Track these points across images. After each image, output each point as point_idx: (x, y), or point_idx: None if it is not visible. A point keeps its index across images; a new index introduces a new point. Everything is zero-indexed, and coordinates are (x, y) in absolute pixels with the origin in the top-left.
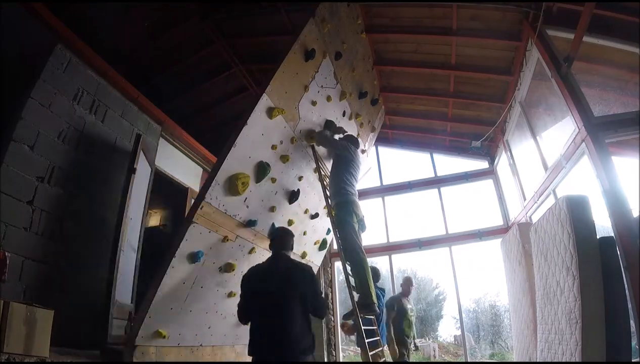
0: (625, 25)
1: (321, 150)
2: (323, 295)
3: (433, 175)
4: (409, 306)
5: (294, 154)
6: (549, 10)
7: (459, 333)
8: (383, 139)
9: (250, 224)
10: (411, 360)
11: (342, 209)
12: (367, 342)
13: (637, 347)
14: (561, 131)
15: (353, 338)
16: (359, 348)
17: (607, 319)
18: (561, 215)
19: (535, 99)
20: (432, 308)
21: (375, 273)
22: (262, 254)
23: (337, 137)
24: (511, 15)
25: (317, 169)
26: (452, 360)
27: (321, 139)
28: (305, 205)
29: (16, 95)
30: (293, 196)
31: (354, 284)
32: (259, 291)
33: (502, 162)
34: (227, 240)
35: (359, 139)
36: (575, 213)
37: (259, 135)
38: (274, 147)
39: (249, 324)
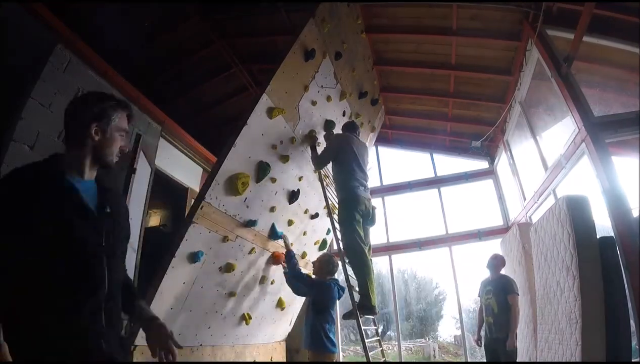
0: (625, 25)
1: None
2: None
3: (433, 175)
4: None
5: (294, 154)
6: (548, 10)
7: (459, 332)
8: (383, 139)
9: (250, 224)
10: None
11: (344, 207)
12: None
13: (637, 347)
14: (561, 131)
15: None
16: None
17: (607, 319)
18: (561, 215)
19: (535, 99)
20: (432, 308)
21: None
22: (262, 254)
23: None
24: (511, 16)
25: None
26: (452, 360)
27: (318, 164)
28: (305, 205)
29: (16, 95)
30: (293, 196)
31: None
32: None
33: (502, 162)
34: (227, 240)
35: (354, 122)
36: (575, 213)
37: (259, 135)
38: (274, 147)
39: None
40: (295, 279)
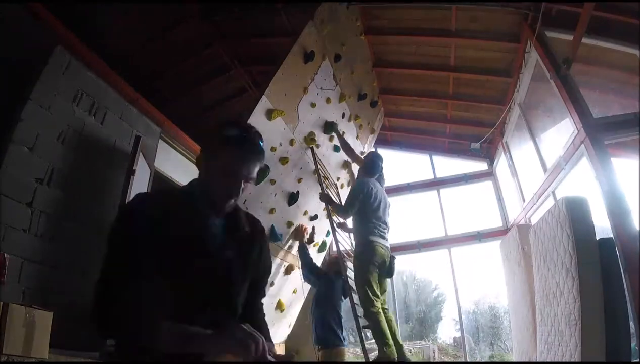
0: (625, 27)
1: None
2: None
3: (432, 177)
4: None
5: (293, 156)
6: (548, 12)
7: (458, 334)
8: (382, 141)
9: None
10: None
11: (359, 262)
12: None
13: (637, 348)
14: (560, 133)
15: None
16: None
17: (606, 320)
18: (560, 216)
19: (535, 100)
20: (432, 309)
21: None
22: None
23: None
24: (510, 17)
25: (317, 171)
26: (451, 361)
27: (344, 213)
28: (305, 207)
29: (15, 96)
30: (292, 198)
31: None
32: None
33: (502, 164)
34: None
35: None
36: (575, 215)
37: None
38: (273, 149)
39: None
40: (307, 269)
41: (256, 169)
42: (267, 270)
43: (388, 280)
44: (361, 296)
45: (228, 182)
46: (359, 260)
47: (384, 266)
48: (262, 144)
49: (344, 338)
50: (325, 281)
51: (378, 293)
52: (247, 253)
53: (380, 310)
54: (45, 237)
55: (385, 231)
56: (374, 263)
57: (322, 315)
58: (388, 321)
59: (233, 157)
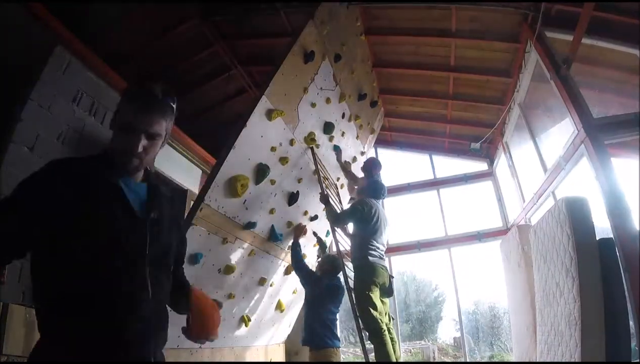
0: (624, 27)
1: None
2: None
3: (432, 177)
4: None
5: (293, 156)
6: (547, 12)
7: (458, 334)
8: (382, 141)
9: (249, 226)
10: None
11: (359, 277)
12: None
13: (637, 348)
14: (560, 133)
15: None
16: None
17: (606, 320)
18: (560, 217)
19: (534, 100)
20: (432, 310)
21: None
22: (262, 256)
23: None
24: (510, 17)
25: (317, 171)
26: (451, 361)
27: (335, 221)
28: (305, 207)
29: (15, 96)
30: (292, 198)
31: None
32: None
33: (501, 164)
34: (227, 242)
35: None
36: (575, 215)
37: (258, 137)
38: (273, 149)
39: None
40: (296, 267)
41: (160, 125)
42: (184, 237)
43: (388, 300)
44: (365, 316)
45: (126, 137)
46: (359, 281)
47: (384, 286)
48: (165, 97)
49: (334, 339)
50: (314, 280)
51: (382, 311)
52: (171, 217)
53: (386, 330)
54: None
55: (383, 251)
56: (375, 283)
57: (310, 315)
58: (392, 342)
59: (129, 110)
